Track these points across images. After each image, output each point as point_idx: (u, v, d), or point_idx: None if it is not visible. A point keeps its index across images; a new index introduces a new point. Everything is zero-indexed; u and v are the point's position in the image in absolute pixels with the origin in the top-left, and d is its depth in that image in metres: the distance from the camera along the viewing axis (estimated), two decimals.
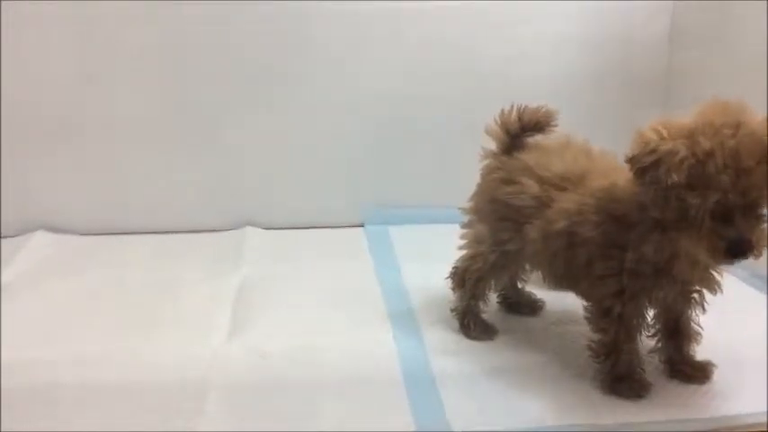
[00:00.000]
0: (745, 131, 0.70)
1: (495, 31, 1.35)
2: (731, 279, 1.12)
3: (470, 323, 0.96)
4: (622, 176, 0.79)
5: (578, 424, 0.78)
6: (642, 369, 0.84)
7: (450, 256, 0.99)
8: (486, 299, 0.98)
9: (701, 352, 0.88)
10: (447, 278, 0.99)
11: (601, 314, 0.82)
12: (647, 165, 0.72)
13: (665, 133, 0.72)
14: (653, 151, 0.71)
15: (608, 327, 0.82)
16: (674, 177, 0.70)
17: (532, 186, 0.87)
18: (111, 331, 0.99)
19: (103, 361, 0.90)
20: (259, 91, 1.34)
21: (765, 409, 0.79)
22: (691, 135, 0.70)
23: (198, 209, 1.39)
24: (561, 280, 0.89)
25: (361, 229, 1.39)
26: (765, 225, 0.73)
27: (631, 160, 0.74)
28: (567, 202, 0.83)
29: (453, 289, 0.99)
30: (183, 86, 1.33)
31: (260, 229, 1.37)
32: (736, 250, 0.72)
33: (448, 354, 0.93)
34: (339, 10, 1.31)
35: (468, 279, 0.96)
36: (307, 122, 1.37)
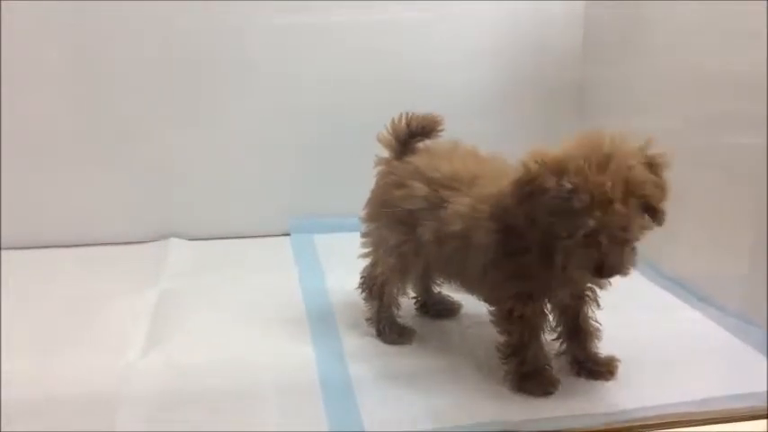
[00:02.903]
0: (612, 168, 0.73)
1: (421, 44, 1.38)
2: (641, 279, 1.18)
3: (385, 328, 0.98)
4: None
5: (488, 422, 0.79)
6: (549, 366, 0.86)
7: None
8: (397, 303, 0.99)
9: (610, 349, 0.91)
10: (357, 288, 1.01)
11: (503, 316, 0.85)
12: (523, 195, 0.76)
13: (535, 167, 0.75)
14: (529, 182, 0.75)
15: (512, 328, 0.85)
16: (540, 213, 0.74)
17: (421, 188, 0.90)
18: (24, 348, 0.96)
19: (15, 378, 0.88)
20: (183, 101, 1.33)
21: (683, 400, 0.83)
22: (560, 170, 0.74)
23: (121, 220, 1.37)
24: (457, 282, 0.92)
25: (287, 237, 1.39)
26: (633, 247, 0.77)
27: (514, 187, 0.78)
28: (461, 205, 0.86)
29: (365, 298, 1.00)
30: (104, 96, 1.31)
31: (184, 241, 1.36)
32: (602, 273, 0.76)
33: (366, 359, 0.94)
34: (263, 23, 1.32)
35: (373, 285, 0.97)
36: (232, 132, 1.36)
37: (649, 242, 1.22)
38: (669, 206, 1.15)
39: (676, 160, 1.13)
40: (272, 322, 1.04)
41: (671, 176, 1.13)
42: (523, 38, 1.40)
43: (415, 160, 0.93)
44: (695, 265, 1.13)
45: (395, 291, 0.98)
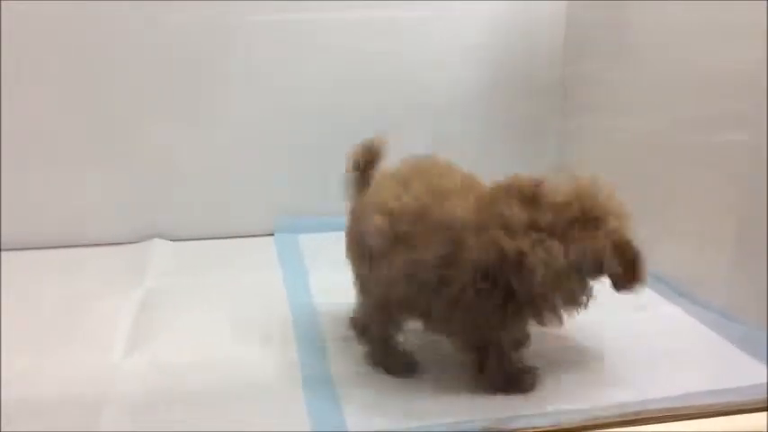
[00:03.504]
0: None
1: (405, 44, 1.38)
2: None
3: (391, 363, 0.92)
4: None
5: (471, 420, 0.80)
6: (524, 365, 0.87)
7: None
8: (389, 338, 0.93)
9: (590, 346, 0.92)
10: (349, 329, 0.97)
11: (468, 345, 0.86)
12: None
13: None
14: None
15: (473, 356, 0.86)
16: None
17: (381, 221, 0.84)
18: (9, 348, 0.95)
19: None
20: (168, 102, 1.33)
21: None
22: None
23: (105, 221, 1.36)
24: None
25: (271, 237, 1.39)
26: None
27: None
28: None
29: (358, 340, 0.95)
30: (88, 98, 1.30)
31: (168, 241, 1.36)
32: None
33: (349, 358, 0.94)
34: (250, 22, 1.32)
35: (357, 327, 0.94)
36: (215, 132, 1.36)
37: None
38: (651, 204, 1.18)
39: (660, 158, 1.15)
40: (255, 322, 1.04)
41: (655, 174, 1.15)
42: (506, 38, 1.41)
43: (374, 191, 0.89)
44: (676, 261, 1.14)
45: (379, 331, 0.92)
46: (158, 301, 1.11)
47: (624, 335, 0.98)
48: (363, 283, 0.91)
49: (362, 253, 0.88)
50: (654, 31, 1.17)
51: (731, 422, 0.80)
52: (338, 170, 1.37)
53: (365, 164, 0.93)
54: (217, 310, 1.08)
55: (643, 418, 0.80)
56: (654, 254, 1.17)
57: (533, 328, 0.88)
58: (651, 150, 1.19)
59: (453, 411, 0.82)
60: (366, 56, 1.37)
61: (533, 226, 0.77)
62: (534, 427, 0.79)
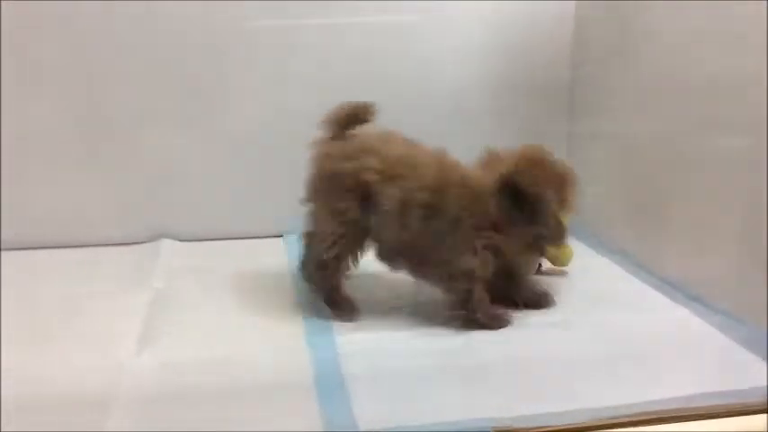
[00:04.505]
0: None
1: (410, 44, 1.39)
2: (630, 278, 1.19)
3: (340, 302, 1.06)
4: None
5: (481, 419, 0.79)
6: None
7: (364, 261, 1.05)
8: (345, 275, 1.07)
9: (599, 347, 0.92)
10: (299, 271, 1.11)
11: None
12: None
13: None
14: None
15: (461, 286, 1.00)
16: None
17: (376, 162, 1.01)
18: (17, 348, 0.96)
19: (9, 377, 0.88)
20: (174, 102, 1.34)
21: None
22: None
23: (113, 222, 1.37)
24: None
25: (280, 239, 1.40)
26: None
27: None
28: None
29: (308, 279, 1.09)
30: (96, 98, 1.31)
31: (176, 242, 1.37)
32: None
33: (360, 357, 0.94)
34: (255, 26, 1.33)
35: (329, 260, 1.04)
36: (225, 132, 1.37)
37: (639, 242, 1.23)
38: (658, 207, 1.18)
39: (665, 161, 1.15)
40: (265, 321, 1.05)
41: (661, 176, 1.15)
42: (513, 37, 1.41)
43: (363, 139, 1.04)
44: (682, 264, 1.14)
45: (348, 262, 1.06)
46: (167, 300, 1.12)
47: (631, 337, 0.98)
48: (337, 214, 1.03)
49: (348, 188, 1.02)
50: (661, 33, 1.17)
51: (734, 423, 0.80)
52: None
53: (348, 120, 1.06)
54: (226, 310, 1.09)
55: (649, 419, 0.80)
56: (660, 257, 1.18)
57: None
58: (658, 153, 1.19)
59: (463, 410, 0.82)
60: (372, 56, 1.37)
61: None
62: (541, 427, 0.79)
